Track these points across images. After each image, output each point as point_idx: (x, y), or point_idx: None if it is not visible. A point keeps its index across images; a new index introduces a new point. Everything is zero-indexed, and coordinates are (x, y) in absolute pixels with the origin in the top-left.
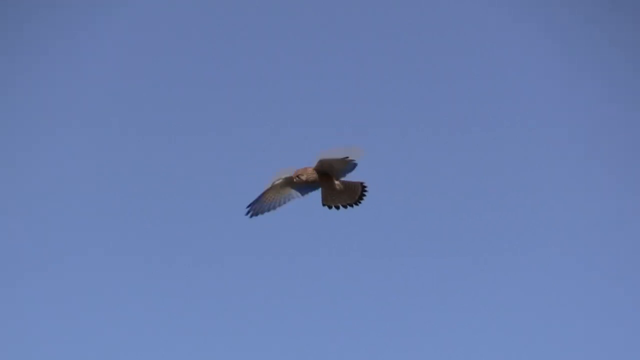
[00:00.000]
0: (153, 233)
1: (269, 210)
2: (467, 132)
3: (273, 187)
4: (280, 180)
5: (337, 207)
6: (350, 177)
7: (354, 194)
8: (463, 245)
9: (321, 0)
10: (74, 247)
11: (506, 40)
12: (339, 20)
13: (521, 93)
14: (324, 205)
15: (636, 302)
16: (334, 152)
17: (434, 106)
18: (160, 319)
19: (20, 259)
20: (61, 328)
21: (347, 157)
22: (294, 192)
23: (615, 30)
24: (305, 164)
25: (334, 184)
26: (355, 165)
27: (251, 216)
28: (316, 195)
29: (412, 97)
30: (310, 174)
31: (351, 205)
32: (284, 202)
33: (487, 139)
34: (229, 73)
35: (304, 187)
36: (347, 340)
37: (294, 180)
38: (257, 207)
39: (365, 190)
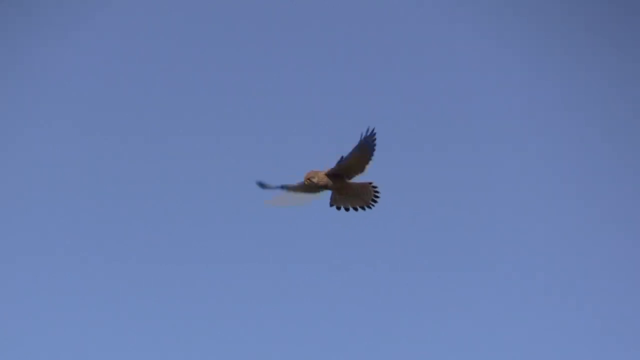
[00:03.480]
0: (149, 235)
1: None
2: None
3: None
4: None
5: (347, 209)
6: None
7: (366, 197)
8: (462, 256)
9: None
10: (70, 247)
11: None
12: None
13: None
14: (331, 205)
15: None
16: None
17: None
18: (155, 322)
19: (18, 258)
20: (59, 327)
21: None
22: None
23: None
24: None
25: (346, 185)
26: (374, 144)
27: (261, 186)
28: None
29: (421, 103)
30: (322, 178)
31: (363, 208)
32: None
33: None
34: (229, 75)
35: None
36: (345, 346)
37: (305, 183)
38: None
39: (377, 193)
